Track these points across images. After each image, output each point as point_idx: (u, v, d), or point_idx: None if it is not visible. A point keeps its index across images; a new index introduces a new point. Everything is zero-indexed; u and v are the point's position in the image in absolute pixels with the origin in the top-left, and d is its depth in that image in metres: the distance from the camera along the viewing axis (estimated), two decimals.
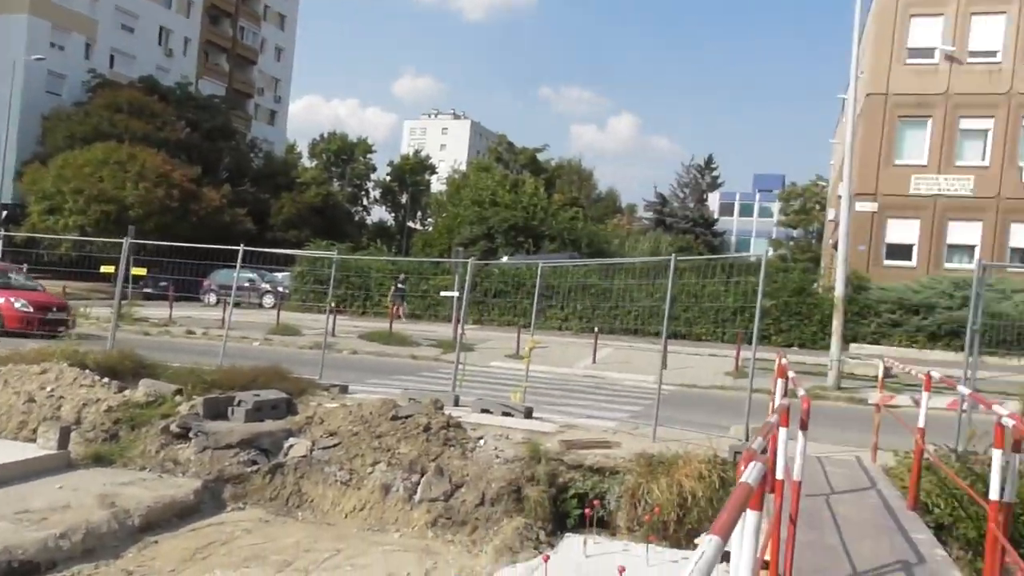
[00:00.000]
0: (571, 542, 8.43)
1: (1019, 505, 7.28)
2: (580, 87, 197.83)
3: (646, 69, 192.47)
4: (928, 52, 27.68)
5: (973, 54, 27.40)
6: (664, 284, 10.97)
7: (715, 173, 67.79)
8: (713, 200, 71.55)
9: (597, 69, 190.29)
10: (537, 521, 8.81)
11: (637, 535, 8.52)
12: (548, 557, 7.32)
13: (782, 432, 5.23)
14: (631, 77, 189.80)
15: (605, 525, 8.94)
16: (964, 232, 27.42)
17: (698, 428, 11.03)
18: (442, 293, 18.87)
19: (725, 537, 2.13)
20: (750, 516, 3.04)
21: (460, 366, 12.64)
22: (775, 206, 69.38)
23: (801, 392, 5.43)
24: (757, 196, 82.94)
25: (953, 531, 7.65)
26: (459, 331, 13.03)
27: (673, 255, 10.95)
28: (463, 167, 69.45)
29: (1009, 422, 4.54)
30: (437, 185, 71.08)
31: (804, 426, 5.21)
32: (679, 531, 8.48)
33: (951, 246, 27.38)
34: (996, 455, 4.70)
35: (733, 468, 8.73)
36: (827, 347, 18.00)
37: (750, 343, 19.81)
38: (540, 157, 62.53)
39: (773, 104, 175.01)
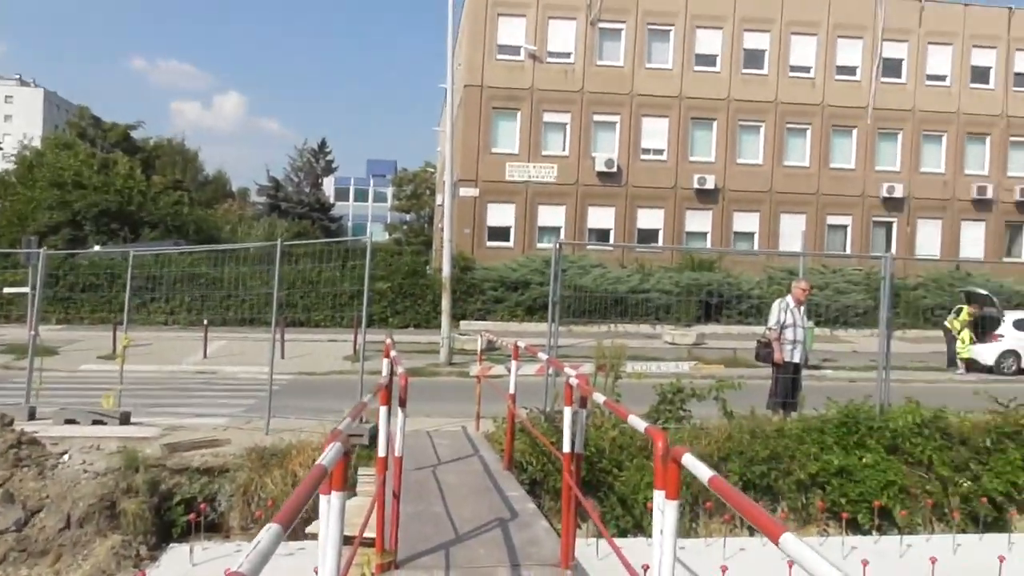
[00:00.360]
0: (176, 552, 7.77)
1: (596, 454, 8.30)
2: (179, 60, 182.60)
3: (252, 47, 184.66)
4: (515, 49, 30.34)
5: (552, 54, 30.63)
6: (279, 271, 10.58)
7: (329, 157, 67.59)
8: (328, 185, 71.55)
9: (199, 42, 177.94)
10: (137, 536, 8.02)
11: (252, 533, 8.14)
12: (144, 573, 6.65)
13: (382, 411, 5.30)
14: (237, 54, 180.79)
15: (218, 528, 8.42)
16: (551, 215, 30.72)
17: (315, 415, 10.88)
18: (6, 290, 16.13)
19: (287, 524, 2.00)
20: (334, 498, 2.97)
21: (36, 373, 10.99)
22: (389, 191, 71.52)
23: (400, 370, 5.54)
24: (371, 181, 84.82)
25: (545, 484, 8.43)
26: (33, 333, 11.31)
27: (279, 240, 10.61)
28: (36, 143, 60.20)
29: (575, 382, 5.06)
30: (2, 163, 60.83)
31: (403, 403, 5.32)
32: (296, 523, 8.26)
33: (542, 228, 30.48)
34: (567, 412, 5.22)
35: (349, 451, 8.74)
36: (440, 325, 18.97)
37: (366, 326, 19.96)
38: (135, 135, 56.84)
39: (384, 90, 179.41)
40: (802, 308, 11.16)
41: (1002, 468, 8.26)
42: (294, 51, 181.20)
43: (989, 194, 32.09)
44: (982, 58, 32.50)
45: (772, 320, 10.95)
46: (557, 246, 9.51)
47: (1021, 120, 32.56)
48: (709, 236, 31.39)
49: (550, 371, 9.75)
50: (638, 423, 3.75)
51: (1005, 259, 31.96)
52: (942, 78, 32.36)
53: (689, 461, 2.82)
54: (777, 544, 1.99)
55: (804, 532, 8.14)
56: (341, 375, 16.48)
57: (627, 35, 30.88)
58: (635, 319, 25.60)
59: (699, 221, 31.41)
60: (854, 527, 7.82)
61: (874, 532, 7.71)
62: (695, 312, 26.42)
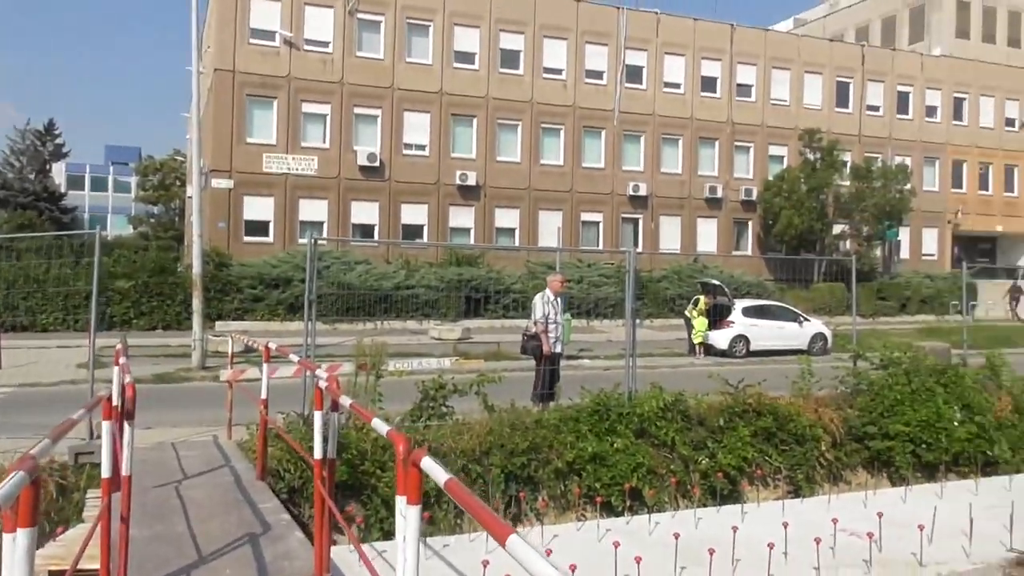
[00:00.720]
0: None
1: (357, 457, 7.98)
2: None
3: None
4: (270, 35, 28.93)
5: (309, 42, 29.54)
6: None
7: (59, 141, 60.68)
8: (59, 172, 64.44)
9: None
10: None
11: None
12: None
13: (106, 426, 4.69)
14: None
15: None
16: (313, 209, 29.67)
17: (37, 432, 9.56)
18: None
19: None
20: (20, 536, 2.49)
21: None
22: (133, 180, 65.85)
23: (128, 379, 4.93)
24: (111, 169, 77.77)
25: (304, 492, 8.00)
26: None
27: None
28: None
29: (324, 384, 4.77)
30: None
31: (130, 416, 4.73)
32: None
33: (303, 222, 29.22)
34: (317, 416, 4.92)
35: (76, 472, 7.82)
36: (192, 327, 17.63)
37: (107, 329, 18.25)
38: None
39: (123, 69, 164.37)
40: (559, 300, 11.57)
41: (734, 445, 9.01)
42: (13, 20, 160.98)
43: (719, 193, 35.48)
44: (710, 69, 35.85)
45: (539, 313, 11.25)
46: (312, 242, 9.06)
47: (743, 127, 36.33)
48: (472, 232, 31.92)
49: (308, 373, 9.32)
50: (381, 426, 3.57)
51: (734, 253, 35.54)
52: (677, 86, 35.27)
53: (427, 465, 2.76)
54: (504, 546, 2.05)
55: (564, 518, 8.38)
56: (73, 385, 14.75)
57: (386, 28, 30.58)
58: (401, 315, 25.47)
59: (462, 217, 31.85)
60: (609, 509, 8.16)
61: (626, 513, 8.08)
62: (460, 307, 26.75)
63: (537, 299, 11.52)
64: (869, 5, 50.06)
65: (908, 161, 38.86)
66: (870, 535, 6.74)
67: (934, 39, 44.71)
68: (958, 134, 41.41)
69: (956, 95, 41.42)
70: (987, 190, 42.55)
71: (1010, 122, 43.03)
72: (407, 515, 3.08)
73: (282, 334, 21.21)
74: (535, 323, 11.33)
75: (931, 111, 40.89)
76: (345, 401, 4.40)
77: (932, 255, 40.78)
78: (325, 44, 29.73)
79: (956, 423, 9.88)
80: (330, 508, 4.85)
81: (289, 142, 29.22)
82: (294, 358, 7.00)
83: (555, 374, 11.26)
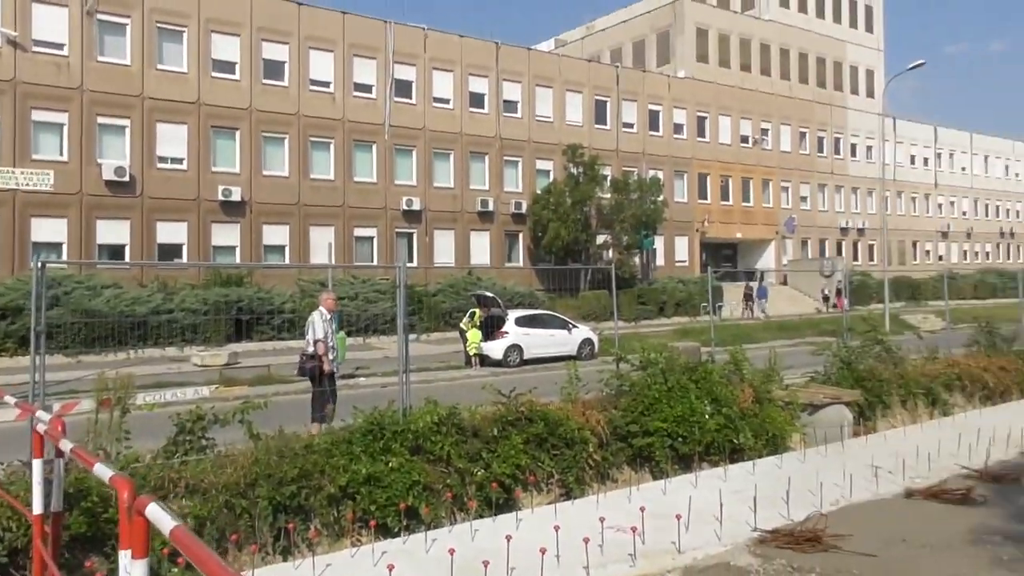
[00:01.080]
0: None
1: (100, 504, 7.11)
2: None
3: None
4: None
5: (39, 43, 26.66)
6: None
7: None
8: None
9: None
10: None
11: None
12: None
13: None
14: None
15: None
16: (49, 229, 26.66)
17: None
18: None
19: None
20: None
21: None
22: None
23: None
24: None
25: (30, 551, 7.01)
26: None
27: None
28: None
29: (43, 428, 4.13)
30: None
31: None
32: None
33: (37, 244, 26.12)
34: (35, 465, 4.25)
35: None
36: None
37: None
38: None
39: None
40: (333, 318, 11.25)
41: (508, 453, 9.07)
42: None
43: (491, 207, 36.34)
44: (477, 85, 36.73)
45: (320, 332, 10.95)
46: (39, 266, 8.03)
47: (511, 142, 37.55)
48: (238, 250, 30.35)
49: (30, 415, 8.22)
50: (103, 472, 3.11)
51: (507, 264, 36.53)
52: (447, 101, 35.76)
53: (153, 512, 2.45)
54: None
55: (338, 546, 7.99)
56: None
57: (132, 32, 28.32)
58: (160, 343, 23.56)
59: (226, 235, 30.17)
60: (385, 531, 7.89)
61: (403, 533, 7.85)
62: (226, 331, 25.22)
63: (316, 318, 11.18)
64: (621, 29, 53.85)
65: (660, 175, 42.09)
66: (634, 529, 6.99)
67: (678, 62, 48.88)
68: (702, 149, 45.52)
69: (699, 114, 45.54)
70: (728, 201, 47.11)
71: (744, 139, 47.99)
72: (132, 571, 2.69)
73: (13, 370, 18.85)
74: (315, 343, 10.94)
75: (678, 128, 44.61)
76: (66, 445, 3.82)
77: (684, 261, 44.40)
78: (59, 46, 26.93)
79: (707, 416, 10.62)
80: (51, 570, 4.20)
81: (16, 154, 26.11)
82: (10, 400, 6.08)
83: (332, 394, 10.92)
